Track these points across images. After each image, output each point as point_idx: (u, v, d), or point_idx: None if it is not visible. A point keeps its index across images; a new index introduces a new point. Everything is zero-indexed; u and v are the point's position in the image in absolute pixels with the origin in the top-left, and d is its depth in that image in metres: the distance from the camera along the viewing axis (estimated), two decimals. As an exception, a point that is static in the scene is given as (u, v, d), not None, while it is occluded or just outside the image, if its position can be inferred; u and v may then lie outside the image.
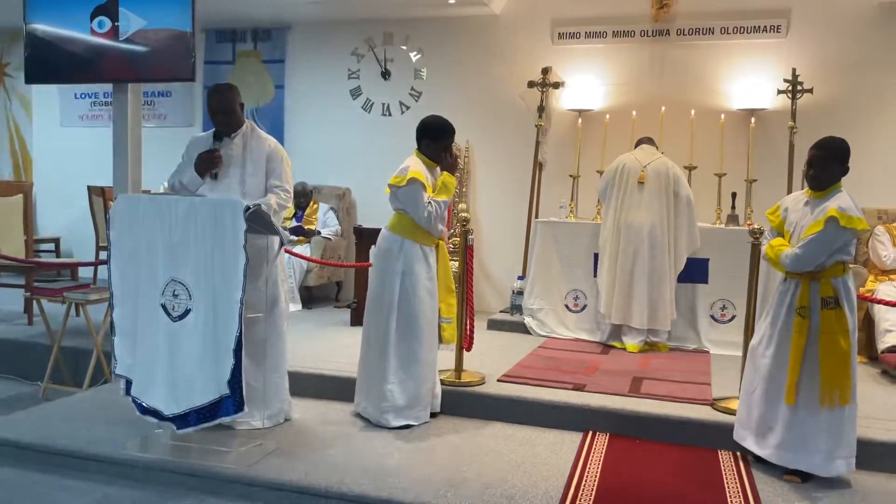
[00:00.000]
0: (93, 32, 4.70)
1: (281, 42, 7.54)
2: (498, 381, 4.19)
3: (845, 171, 3.17)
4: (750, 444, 3.34)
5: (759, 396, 3.29)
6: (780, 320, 3.23)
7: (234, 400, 3.10)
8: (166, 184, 3.83)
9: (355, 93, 7.34)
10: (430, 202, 3.67)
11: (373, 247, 4.08)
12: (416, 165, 3.72)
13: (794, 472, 3.20)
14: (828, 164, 3.12)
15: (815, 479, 3.19)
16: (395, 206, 3.78)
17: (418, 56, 7.15)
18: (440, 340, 3.84)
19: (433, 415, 3.87)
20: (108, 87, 5.52)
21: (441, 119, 3.84)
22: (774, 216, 3.36)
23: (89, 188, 7.15)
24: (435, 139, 3.79)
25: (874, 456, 3.35)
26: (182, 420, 3.19)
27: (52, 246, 8.06)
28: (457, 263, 4.57)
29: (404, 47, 7.18)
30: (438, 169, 3.86)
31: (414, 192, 3.65)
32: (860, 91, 6.03)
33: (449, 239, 6.13)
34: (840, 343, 3.07)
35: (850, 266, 3.25)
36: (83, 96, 8.25)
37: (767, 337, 3.30)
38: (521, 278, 6.15)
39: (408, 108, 7.14)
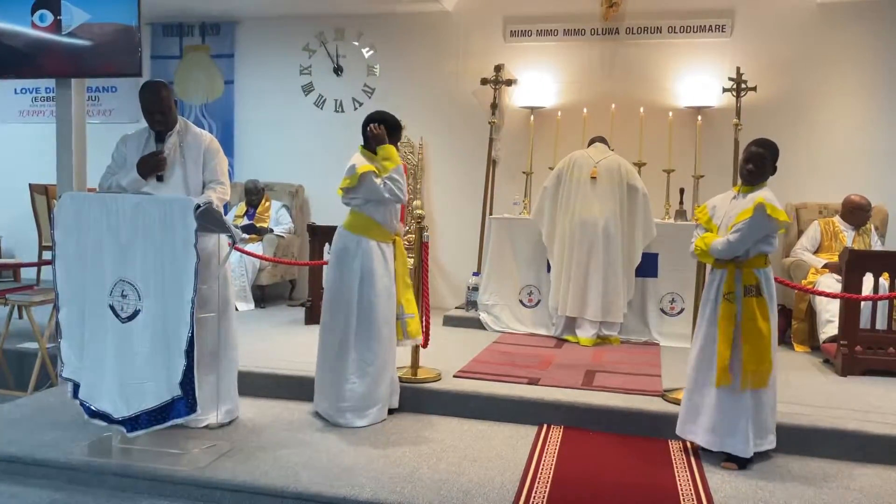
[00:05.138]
0: (34, 26, 4.56)
1: (230, 37, 7.42)
2: (454, 376, 4.21)
3: (774, 170, 3.40)
4: (679, 430, 3.45)
5: (688, 381, 3.43)
6: (707, 308, 3.38)
7: (186, 401, 3.06)
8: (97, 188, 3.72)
9: (307, 88, 7.28)
10: (384, 182, 3.69)
11: (327, 245, 4.06)
12: (361, 161, 3.74)
13: (729, 458, 3.31)
14: (765, 162, 3.34)
15: (756, 466, 3.30)
16: (354, 203, 3.77)
17: (371, 52, 7.11)
18: (406, 336, 3.86)
19: (391, 411, 3.87)
20: (51, 82, 5.37)
21: (384, 112, 3.90)
22: (702, 214, 3.53)
23: (31, 186, 6.95)
24: (399, 131, 3.92)
25: (815, 443, 3.48)
26: (133, 423, 3.13)
27: (-9, 246, 7.81)
28: (412, 260, 4.57)
29: (356, 43, 7.14)
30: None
31: (370, 184, 3.67)
32: (802, 89, 6.23)
33: (404, 235, 6.13)
34: (761, 328, 3.24)
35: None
36: (24, 91, 7.99)
37: (697, 326, 3.47)
38: (476, 274, 6.19)
39: (361, 104, 7.11)
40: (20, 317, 5.39)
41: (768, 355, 3.25)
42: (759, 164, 3.32)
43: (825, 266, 5.26)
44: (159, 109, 3.56)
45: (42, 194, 6.80)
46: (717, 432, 3.29)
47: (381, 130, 3.77)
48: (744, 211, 3.24)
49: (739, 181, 3.44)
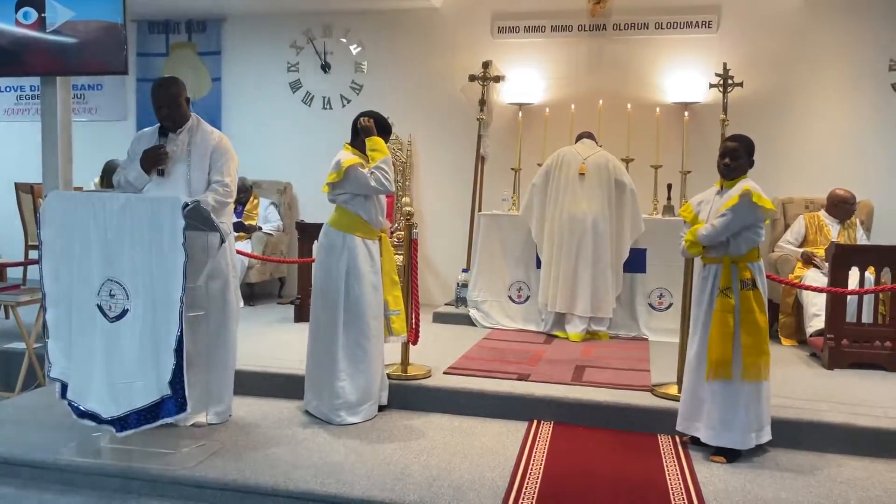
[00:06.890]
0: (17, 24, 4.52)
1: (216, 34, 7.38)
2: (444, 373, 4.22)
3: (752, 163, 3.45)
4: (680, 426, 3.48)
5: (687, 377, 3.45)
6: (703, 305, 3.40)
7: (176, 400, 3.04)
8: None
9: (295, 86, 7.25)
10: (371, 172, 3.68)
11: (316, 242, 4.05)
12: (347, 156, 3.73)
13: (718, 452, 3.34)
14: (740, 154, 3.40)
15: (745, 459, 3.33)
16: (340, 199, 3.77)
17: (359, 49, 7.10)
18: (390, 332, 3.87)
19: (381, 408, 3.88)
20: (36, 80, 5.33)
21: (376, 112, 3.89)
22: (687, 212, 3.56)
23: (17, 185, 6.88)
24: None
25: (802, 436, 3.51)
26: (122, 423, 3.11)
27: (-24, 246, 7.72)
28: (401, 257, 4.57)
29: (344, 40, 7.12)
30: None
31: (357, 176, 3.66)
32: (787, 84, 6.27)
33: (393, 233, 6.12)
34: (758, 320, 3.29)
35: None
36: (8, 89, 7.91)
37: (693, 323, 3.48)
38: (465, 271, 6.19)
39: (349, 101, 7.10)
40: (6, 317, 5.35)
41: (766, 347, 3.30)
42: (734, 157, 3.39)
43: (801, 255, 5.31)
44: (166, 104, 3.57)
45: (28, 193, 6.73)
46: (716, 426, 3.31)
47: (371, 123, 3.77)
48: (730, 199, 3.29)
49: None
